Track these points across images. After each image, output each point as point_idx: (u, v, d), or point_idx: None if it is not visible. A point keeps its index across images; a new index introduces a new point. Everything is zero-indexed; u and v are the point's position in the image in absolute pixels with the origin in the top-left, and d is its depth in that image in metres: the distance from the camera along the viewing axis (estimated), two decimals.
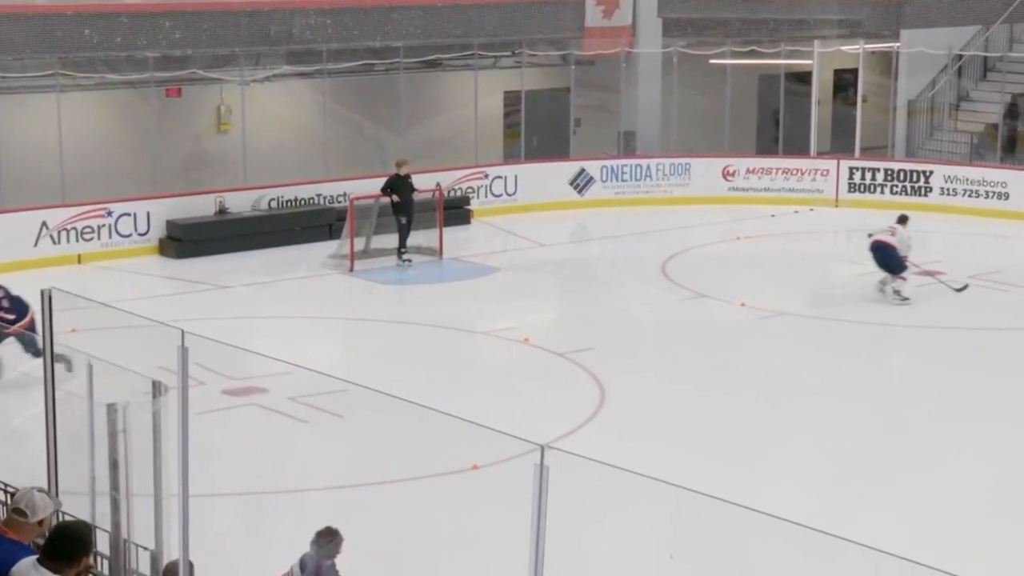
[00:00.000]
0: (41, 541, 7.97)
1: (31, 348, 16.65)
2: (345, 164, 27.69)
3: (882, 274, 22.26)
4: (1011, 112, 31.50)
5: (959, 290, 22.36)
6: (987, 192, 29.32)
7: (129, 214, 25.03)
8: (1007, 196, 29.05)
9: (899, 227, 22.16)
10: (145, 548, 9.12)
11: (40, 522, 7.94)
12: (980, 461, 15.84)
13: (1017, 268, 24.93)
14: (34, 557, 7.64)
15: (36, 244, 24.27)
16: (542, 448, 6.70)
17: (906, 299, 21.94)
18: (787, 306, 22.48)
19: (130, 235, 25.10)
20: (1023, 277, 24.24)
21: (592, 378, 18.30)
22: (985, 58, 32.71)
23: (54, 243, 24.43)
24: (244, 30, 27.52)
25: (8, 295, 17.53)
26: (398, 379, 16.65)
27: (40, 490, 8.17)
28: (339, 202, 26.00)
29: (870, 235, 22.34)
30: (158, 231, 25.33)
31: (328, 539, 10.38)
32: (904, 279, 22.12)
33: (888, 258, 21.98)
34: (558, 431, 15.76)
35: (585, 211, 29.36)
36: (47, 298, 9.32)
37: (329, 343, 20.80)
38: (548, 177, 29.49)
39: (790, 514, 9.30)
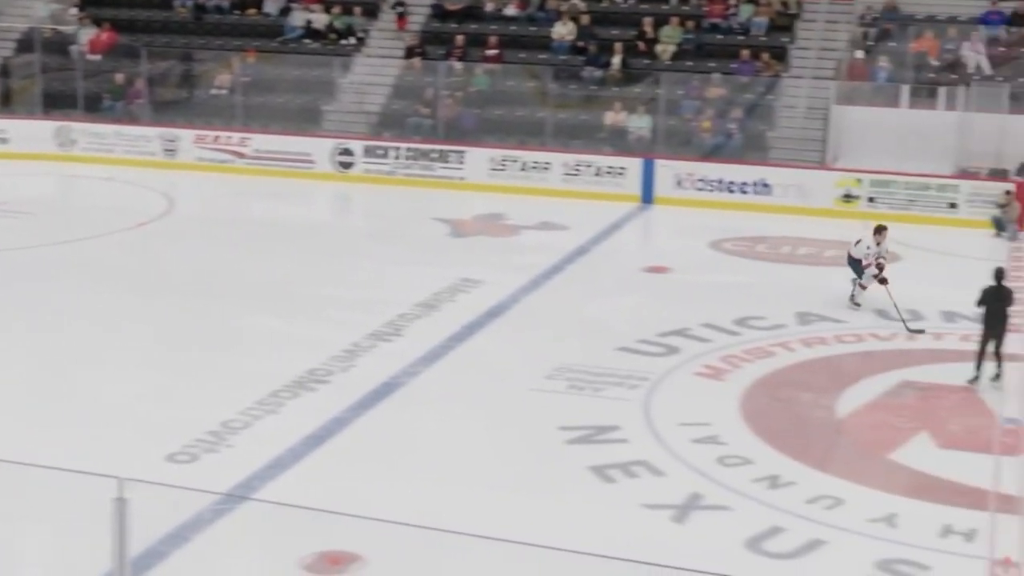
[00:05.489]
0: None
1: None
2: None
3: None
4: (3, 72, 30.57)
5: (914, 331, 17.97)
6: None
7: None
8: (7, 141, 28.36)
9: (866, 236, 19.08)
10: None
11: None
12: (24, 359, 15.56)
13: (18, 199, 24.58)
14: None
15: None
16: None
17: (857, 305, 18.83)
18: None
19: None
20: (29, 205, 24.12)
21: None
22: None
23: None
24: None
25: None
26: None
27: None
28: None
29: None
30: None
31: None
32: (863, 286, 18.94)
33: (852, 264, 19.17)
34: None
35: None
36: None
37: None
38: None
39: None
